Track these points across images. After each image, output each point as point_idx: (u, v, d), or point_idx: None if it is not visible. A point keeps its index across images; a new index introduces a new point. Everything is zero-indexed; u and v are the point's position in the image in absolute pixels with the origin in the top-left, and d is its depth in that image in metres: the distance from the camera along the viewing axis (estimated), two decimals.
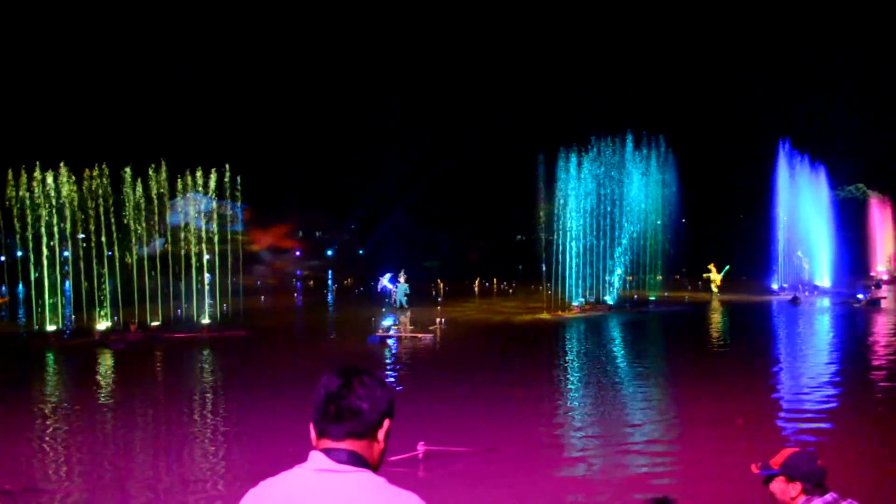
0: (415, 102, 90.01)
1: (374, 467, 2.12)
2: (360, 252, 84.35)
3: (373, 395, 2.13)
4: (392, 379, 17.90)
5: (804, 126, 63.35)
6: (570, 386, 17.20)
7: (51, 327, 25.97)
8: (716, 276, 43.21)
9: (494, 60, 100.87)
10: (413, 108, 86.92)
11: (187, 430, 13.25)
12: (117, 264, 28.60)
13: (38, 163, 27.43)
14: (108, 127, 70.53)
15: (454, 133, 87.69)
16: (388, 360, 20.83)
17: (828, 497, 3.57)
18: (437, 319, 28.55)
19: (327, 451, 2.07)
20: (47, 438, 12.65)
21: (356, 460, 2.06)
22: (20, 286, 36.94)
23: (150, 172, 29.82)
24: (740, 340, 25.59)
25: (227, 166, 32.30)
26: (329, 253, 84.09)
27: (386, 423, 2.16)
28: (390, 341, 23.94)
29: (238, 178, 32.88)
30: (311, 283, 64.96)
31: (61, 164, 27.74)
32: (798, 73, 78.66)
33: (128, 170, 29.11)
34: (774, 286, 46.29)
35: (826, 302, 39.20)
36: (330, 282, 62.52)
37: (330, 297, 49.01)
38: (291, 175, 79.14)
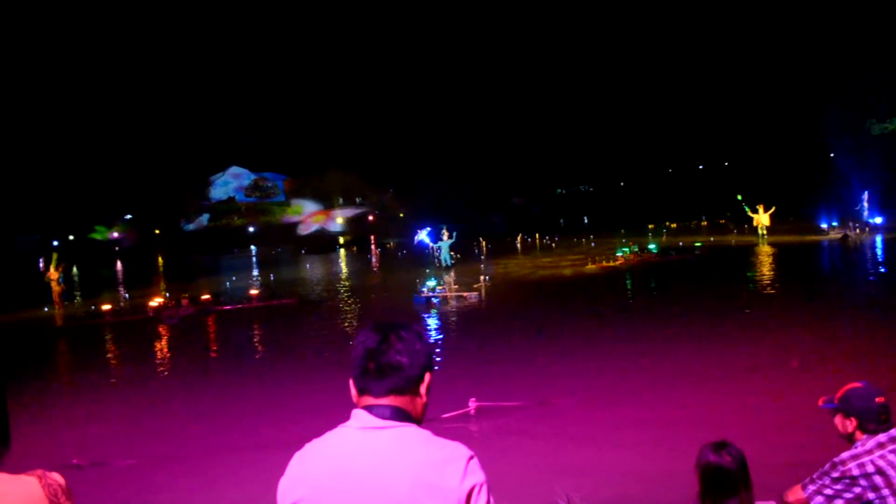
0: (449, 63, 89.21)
1: (418, 421, 2.11)
2: (401, 215, 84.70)
3: (412, 349, 2.11)
4: (440, 338, 18.04)
5: (850, 59, 60.99)
6: (621, 336, 17.03)
7: (105, 306, 26.66)
8: (763, 218, 41.97)
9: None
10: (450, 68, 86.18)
11: (243, 399, 13.55)
12: (165, 242, 29.13)
13: None
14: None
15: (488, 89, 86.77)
16: (435, 320, 20.97)
17: (893, 432, 3.49)
18: (482, 277, 28.61)
19: (370, 408, 2.07)
20: (112, 413, 13.06)
21: (400, 415, 2.05)
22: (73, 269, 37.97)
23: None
24: (791, 281, 25.07)
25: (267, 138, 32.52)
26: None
27: (427, 376, 2.14)
28: (435, 300, 24.15)
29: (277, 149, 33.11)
30: (354, 248, 65.46)
31: None
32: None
33: None
34: (823, 226, 45.14)
35: (878, 239, 38.14)
36: (373, 245, 62.90)
37: (373, 261, 49.39)
38: (330, 143, 79.50)
